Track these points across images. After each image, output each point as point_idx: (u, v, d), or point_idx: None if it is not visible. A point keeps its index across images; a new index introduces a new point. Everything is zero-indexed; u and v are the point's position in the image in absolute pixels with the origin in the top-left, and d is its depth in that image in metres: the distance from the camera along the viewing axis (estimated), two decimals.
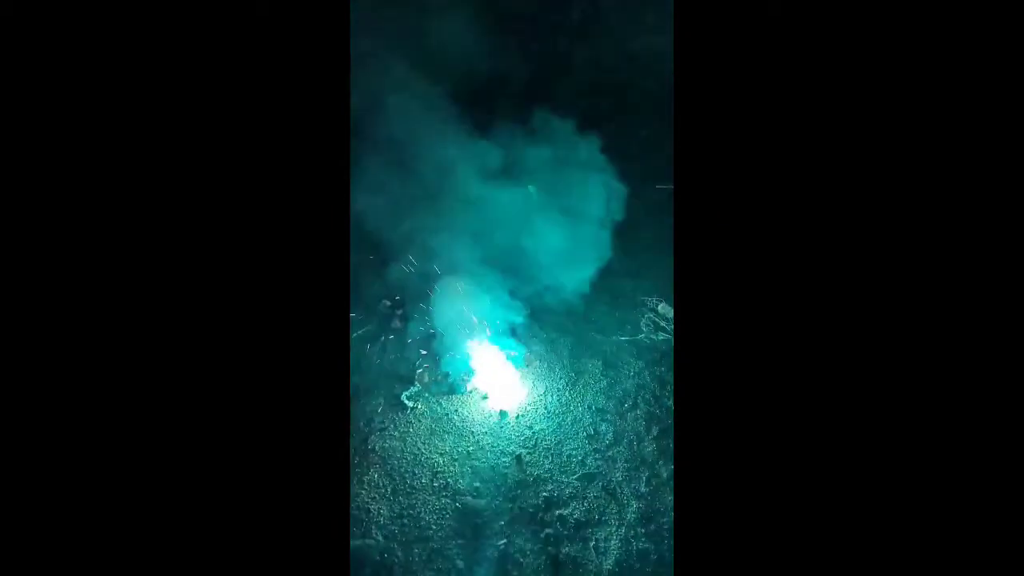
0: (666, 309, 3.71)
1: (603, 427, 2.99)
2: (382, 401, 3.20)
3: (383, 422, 3.09)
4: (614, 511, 2.61)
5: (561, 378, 3.32)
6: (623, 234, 3.94)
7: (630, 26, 5.62)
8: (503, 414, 3.09)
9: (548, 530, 2.53)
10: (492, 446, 2.93)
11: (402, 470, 2.84)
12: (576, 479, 2.75)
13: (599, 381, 3.28)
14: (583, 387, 3.25)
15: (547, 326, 3.67)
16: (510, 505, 2.65)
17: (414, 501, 2.69)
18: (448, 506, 2.67)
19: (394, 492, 2.74)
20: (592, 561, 2.42)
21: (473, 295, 3.38)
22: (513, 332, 3.54)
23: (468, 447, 2.94)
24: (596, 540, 2.50)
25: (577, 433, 2.97)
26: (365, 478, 2.79)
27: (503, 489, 2.72)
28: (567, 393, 3.22)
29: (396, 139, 3.53)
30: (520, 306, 3.57)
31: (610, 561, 2.42)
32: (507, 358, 3.33)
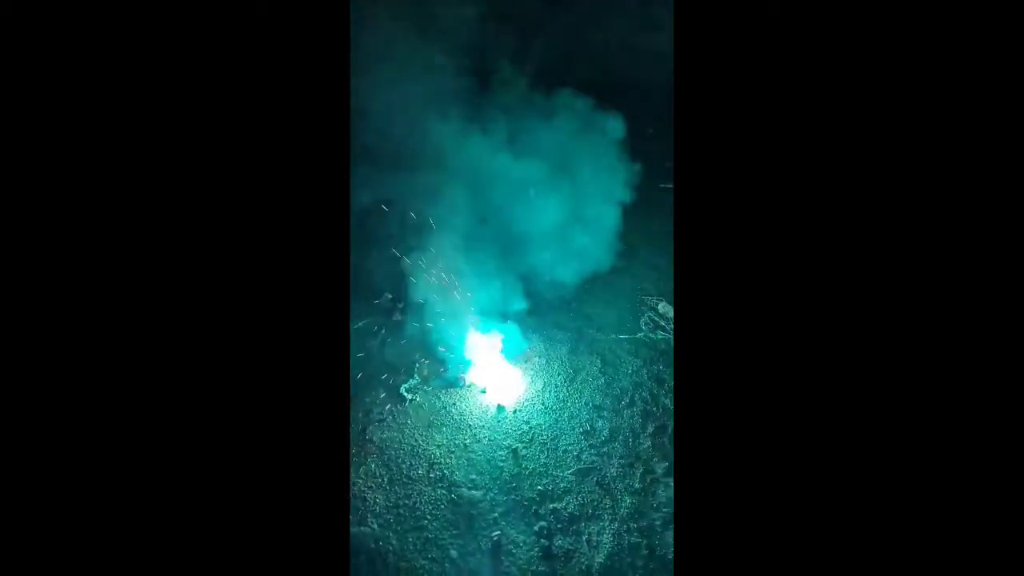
0: (666, 308, 3.72)
1: (599, 423, 3.01)
2: (382, 392, 3.24)
3: (381, 413, 3.12)
4: (607, 506, 2.64)
5: (559, 374, 3.35)
6: (624, 236, 3.96)
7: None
8: (500, 408, 3.12)
9: (542, 523, 2.56)
10: (489, 439, 2.96)
11: (399, 461, 2.87)
12: (571, 474, 2.77)
13: (597, 378, 3.30)
14: (581, 384, 3.27)
15: (546, 324, 3.69)
16: (505, 497, 2.68)
17: (410, 491, 2.73)
18: (444, 497, 2.70)
19: (391, 482, 2.77)
20: (584, 554, 2.45)
21: (469, 279, 3.41)
22: (507, 319, 3.57)
23: (465, 440, 2.97)
24: (589, 534, 2.53)
25: (573, 429, 3.00)
26: (362, 468, 2.83)
27: (499, 482, 2.75)
28: (565, 389, 3.24)
29: (396, 120, 3.48)
30: (519, 287, 3.61)
31: (602, 555, 2.45)
32: (503, 344, 3.36)
